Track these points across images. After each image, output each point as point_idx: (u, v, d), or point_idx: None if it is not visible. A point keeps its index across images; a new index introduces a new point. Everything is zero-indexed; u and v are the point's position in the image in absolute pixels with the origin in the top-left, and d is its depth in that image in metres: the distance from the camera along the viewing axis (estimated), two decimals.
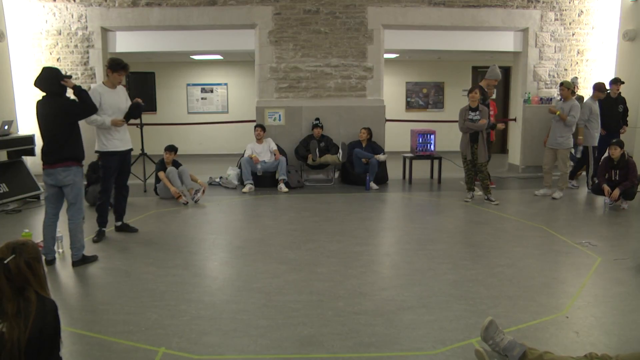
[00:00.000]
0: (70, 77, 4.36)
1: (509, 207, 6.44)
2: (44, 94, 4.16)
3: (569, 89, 6.90)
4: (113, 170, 4.99)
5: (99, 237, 4.98)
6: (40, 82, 4.11)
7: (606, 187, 6.21)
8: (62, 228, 4.42)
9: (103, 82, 5.01)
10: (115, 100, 4.92)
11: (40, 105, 4.16)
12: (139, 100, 5.19)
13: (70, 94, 4.22)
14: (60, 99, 4.16)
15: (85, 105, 4.30)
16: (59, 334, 2.02)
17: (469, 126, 6.51)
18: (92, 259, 4.33)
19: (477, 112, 6.50)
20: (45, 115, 4.13)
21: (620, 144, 6.33)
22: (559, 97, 7.33)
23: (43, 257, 4.17)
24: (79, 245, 4.22)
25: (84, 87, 5.12)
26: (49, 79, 4.11)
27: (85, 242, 4.45)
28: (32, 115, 8.21)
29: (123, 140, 5.02)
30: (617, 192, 6.10)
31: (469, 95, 6.64)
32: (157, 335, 2.97)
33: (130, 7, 8.18)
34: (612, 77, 8.11)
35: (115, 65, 4.84)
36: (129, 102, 5.14)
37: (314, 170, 8.30)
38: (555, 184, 7.09)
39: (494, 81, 6.96)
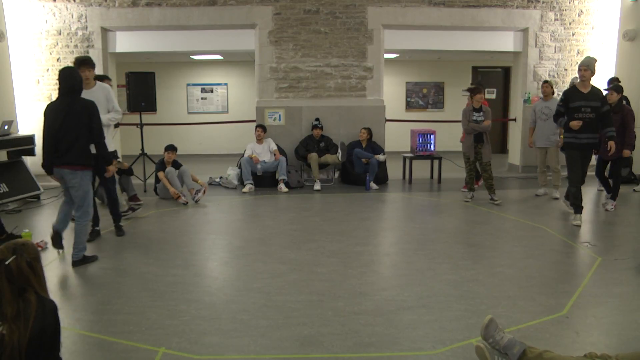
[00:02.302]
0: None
1: (509, 207, 6.44)
2: (58, 95, 4.17)
3: (551, 87, 7.04)
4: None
5: (92, 236, 4.96)
6: (72, 81, 4.12)
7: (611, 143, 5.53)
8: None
9: None
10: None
11: (54, 105, 4.16)
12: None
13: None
14: (80, 98, 4.18)
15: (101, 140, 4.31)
16: (59, 335, 2.02)
17: (474, 127, 6.47)
18: (92, 259, 4.34)
19: (481, 113, 6.49)
20: (66, 114, 4.07)
21: (617, 89, 6.30)
22: (541, 95, 7.28)
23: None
24: (81, 247, 4.23)
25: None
26: (77, 78, 4.17)
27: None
28: (32, 115, 8.24)
29: None
30: (612, 144, 5.50)
31: (474, 96, 6.58)
32: (157, 335, 2.97)
33: (130, 7, 8.18)
34: (612, 77, 8.10)
35: (77, 62, 4.78)
36: (112, 103, 5.04)
37: None
38: (550, 183, 7.09)
39: (586, 70, 5.48)
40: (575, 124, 5.31)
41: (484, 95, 6.58)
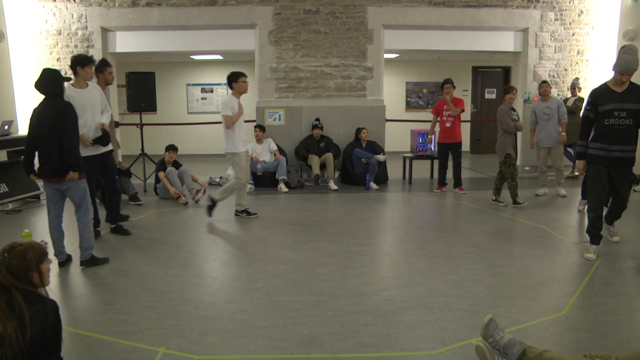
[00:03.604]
0: (69, 79, 4.23)
1: (509, 207, 6.43)
2: (42, 98, 4.01)
3: (550, 87, 7.10)
4: (91, 175, 4.66)
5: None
6: (42, 83, 3.97)
7: None
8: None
9: (72, 84, 4.69)
10: (87, 99, 4.65)
11: (37, 110, 4.00)
12: (104, 125, 4.84)
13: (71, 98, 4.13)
14: (63, 101, 4.01)
15: (73, 138, 4.03)
16: (60, 334, 2.03)
17: (517, 126, 6.40)
18: (103, 261, 4.27)
19: (516, 112, 6.48)
20: (42, 118, 3.96)
21: None
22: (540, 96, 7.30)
23: (55, 259, 4.15)
24: (86, 246, 4.18)
25: None
26: (52, 80, 3.98)
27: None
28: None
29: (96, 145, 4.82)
30: None
31: (508, 94, 6.50)
32: (157, 335, 2.97)
33: (130, 7, 8.18)
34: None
35: (84, 60, 4.59)
36: (105, 101, 4.91)
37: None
38: (555, 182, 7.12)
39: (630, 75, 4.21)
40: (580, 167, 4.40)
41: (515, 95, 6.51)
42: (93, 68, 4.76)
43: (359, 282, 3.83)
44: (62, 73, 4.23)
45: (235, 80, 5.62)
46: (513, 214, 6.05)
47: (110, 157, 5.06)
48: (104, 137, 4.80)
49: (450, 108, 7.24)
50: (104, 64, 5.33)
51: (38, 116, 4.00)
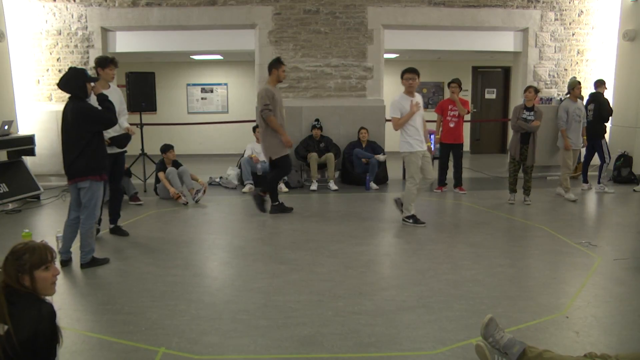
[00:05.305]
0: (96, 79, 4.27)
1: (509, 207, 6.43)
2: (68, 97, 4.08)
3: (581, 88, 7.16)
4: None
5: None
6: (63, 83, 4.01)
7: None
8: (62, 228, 4.40)
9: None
10: None
11: (64, 110, 4.07)
12: (130, 130, 4.96)
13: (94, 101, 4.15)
14: (80, 103, 4.01)
15: (105, 116, 4.10)
16: (56, 339, 1.95)
17: (521, 125, 6.36)
18: (103, 261, 4.28)
19: (532, 113, 6.38)
20: (64, 120, 4.04)
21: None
22: (560, 97, 7.34)
23: (58, 257, 4.13)
24: (88, 249, 4.17)
25: None
26: (71, 80, 4.00)
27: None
28: (32, 115, 8.25)
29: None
30: None
31: (524, 94, 6.55)
32: (157, 335, 2.97)
33: (130, 7, 8.18)
34: (612, 77, 8.09)
35: (104, 61, 4.71)
36: (123, 105, 4.99)
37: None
38: (556, 182, 7.14)
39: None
40: None
41: (532, 94, 6.42)
42: (114, 69, 4.84)
43: (359, 282, 3.83)
44: (89, 74, 4.21)
45: (402, 77, 5.67)
46: (513, 214, 6.05)
47: (121, 158, 5.11)
48: (123, 139, 4.87)
49: (459, 108, 7.23)
50: (279, 61, 5.88)
51: (62, 117, 4.08)
